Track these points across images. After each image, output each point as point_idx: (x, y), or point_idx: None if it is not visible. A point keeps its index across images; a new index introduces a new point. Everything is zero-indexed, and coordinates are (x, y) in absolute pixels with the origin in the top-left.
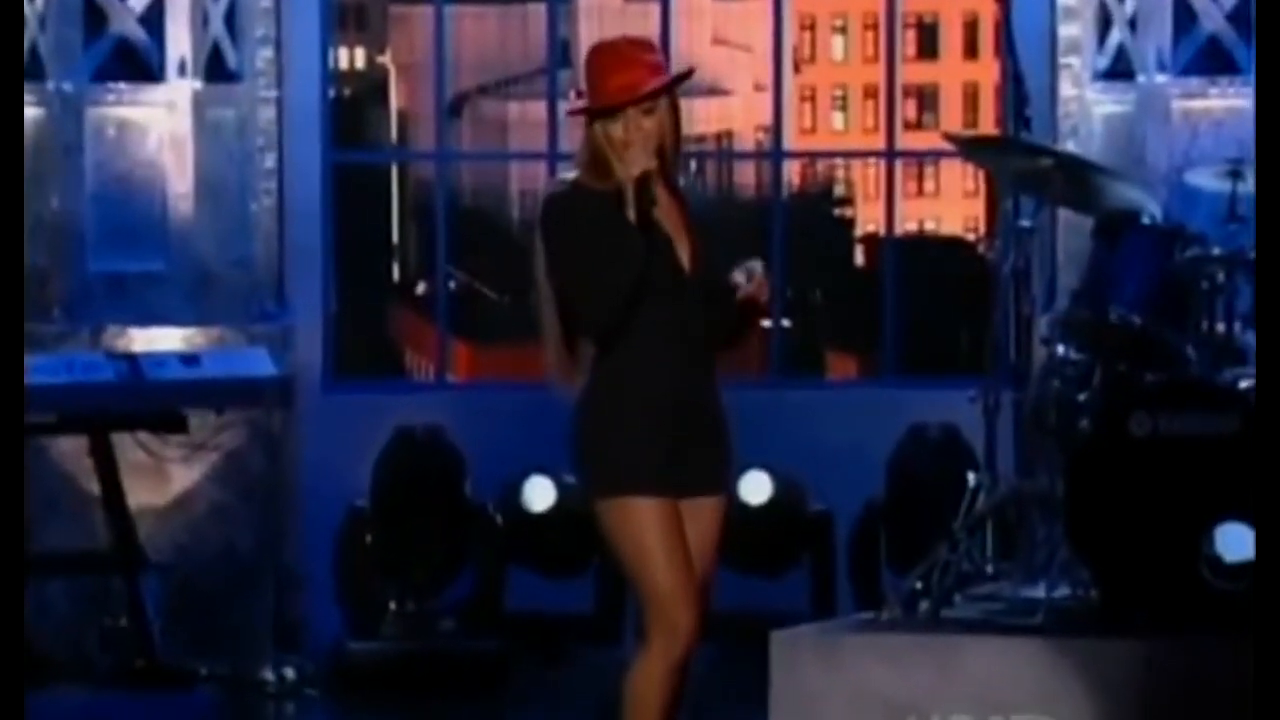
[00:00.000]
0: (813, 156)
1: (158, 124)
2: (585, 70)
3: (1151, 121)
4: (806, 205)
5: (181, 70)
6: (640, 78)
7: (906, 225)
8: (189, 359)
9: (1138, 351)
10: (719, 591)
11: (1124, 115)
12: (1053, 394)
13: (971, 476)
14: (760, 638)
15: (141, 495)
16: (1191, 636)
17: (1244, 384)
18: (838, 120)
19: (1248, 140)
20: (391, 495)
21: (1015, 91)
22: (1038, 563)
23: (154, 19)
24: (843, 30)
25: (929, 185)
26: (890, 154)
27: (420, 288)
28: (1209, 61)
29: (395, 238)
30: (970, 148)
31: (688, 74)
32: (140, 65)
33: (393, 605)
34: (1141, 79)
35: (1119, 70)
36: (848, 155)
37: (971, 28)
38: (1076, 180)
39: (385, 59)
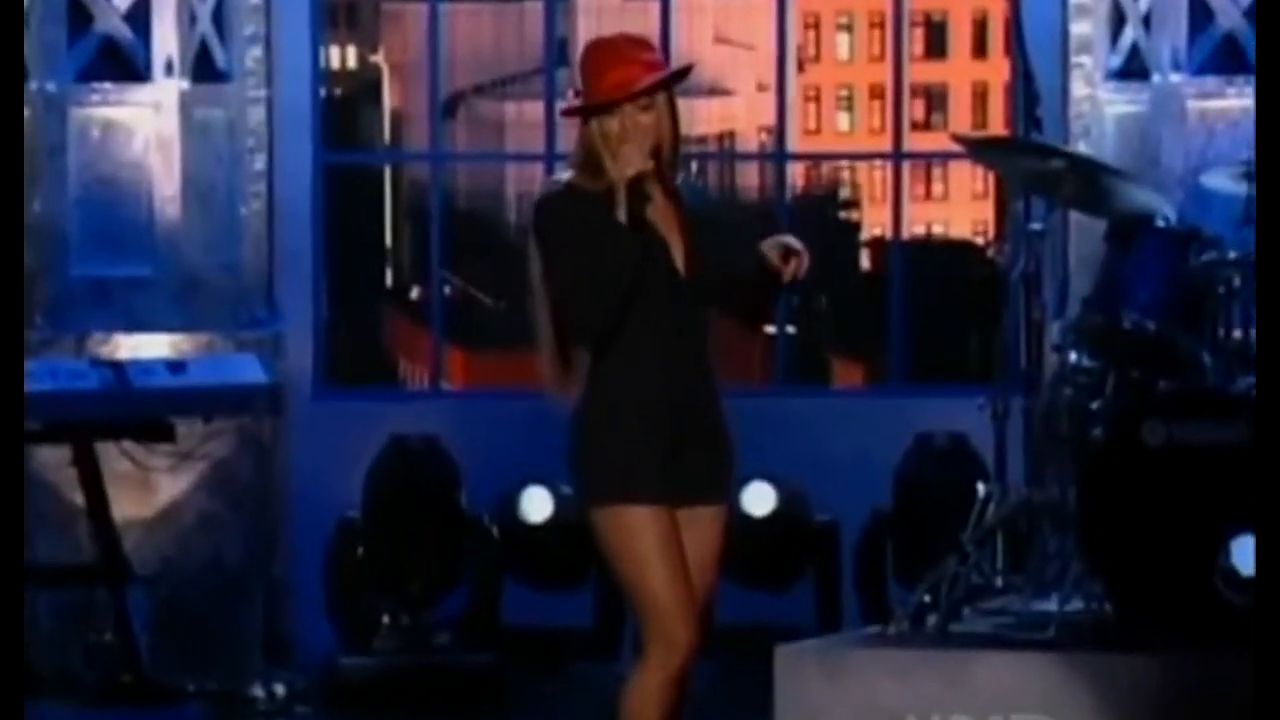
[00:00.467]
0: (817, 159)
1: (144, 125)
2: (580, 68)
3: (1166, 122)
4: (811, 208)
5: (168, 70)
6: (636, 74)
7: (914, 228)
8: (176, 366)
9: (1151, 358)
10: (722, 605)
11: (1137, 115)
12: (1064, 402)
13: (981, 487)
14: (765, 652)
15: (127, 506)
16: (1207, 651)
17: None
18: (843, 121)
19: None
20: (385, 506)
21: (1026, 91)
22: (1049, 575)
23: (140, 17)
24: (848, 28)
25: (937, 187)
26: (897, 155)
27: (414, 293)
28: (1225, 60)
29: (388, 241)
30: (979, 149)
31: (686, 70)
32: (126, 65)
33: (386, 619)
34: (1156, 78)
35: (1132, 69)
36: (853, 157)
37: (981, 26)
38: (1089, 182)
39: (378, 58)
